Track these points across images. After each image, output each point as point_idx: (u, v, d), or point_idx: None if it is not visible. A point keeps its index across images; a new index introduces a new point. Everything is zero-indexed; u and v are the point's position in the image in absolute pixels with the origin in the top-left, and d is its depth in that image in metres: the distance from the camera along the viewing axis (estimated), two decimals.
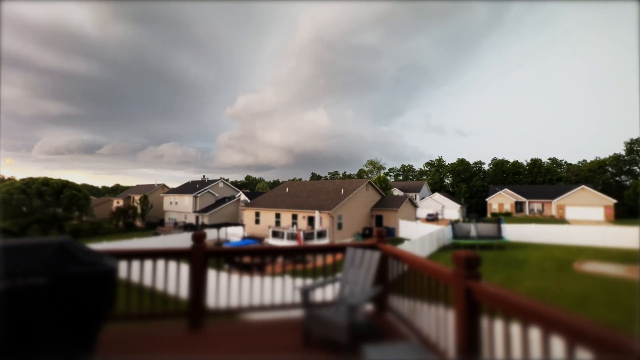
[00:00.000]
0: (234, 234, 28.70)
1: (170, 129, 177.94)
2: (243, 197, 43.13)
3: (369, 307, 3.67)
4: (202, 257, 3.38)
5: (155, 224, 44.24)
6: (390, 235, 29.27)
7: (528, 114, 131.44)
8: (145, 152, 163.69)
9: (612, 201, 41.28)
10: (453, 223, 23.44)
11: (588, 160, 62.05)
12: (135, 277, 3.36)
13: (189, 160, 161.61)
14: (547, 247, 21.45)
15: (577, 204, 43.10)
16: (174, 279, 4.92)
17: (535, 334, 1.54)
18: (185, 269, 3.61)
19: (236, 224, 29.60)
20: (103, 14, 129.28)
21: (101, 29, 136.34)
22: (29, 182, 34.78)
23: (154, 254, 3.44)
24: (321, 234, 23.62)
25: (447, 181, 76.32)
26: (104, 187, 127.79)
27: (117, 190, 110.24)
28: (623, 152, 57.85)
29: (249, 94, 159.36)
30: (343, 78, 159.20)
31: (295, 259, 4.65)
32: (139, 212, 45.00)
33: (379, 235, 3.76)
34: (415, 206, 36.19)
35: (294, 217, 29.33)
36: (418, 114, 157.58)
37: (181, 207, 44.07)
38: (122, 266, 2.93)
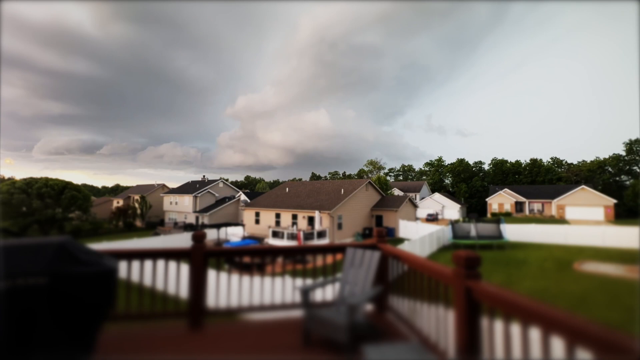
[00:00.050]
0: (234, 234, 28.70)
1: (171, 129, 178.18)
2: (243, 197, 43.11)
3: (369, 307, 3.67)
4: (202, 257, 3.38)
5: (155, 224, 44.23)
6: (390, 235, 29.27)
7: (528, 114, 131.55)
8: (145, 152, 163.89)
9: (612, 201, 41.28)
10: (453, 223, 23.43)
11: (588, 160, 62.08)
12: (135, 277, 3.36)
13: (189, 160, 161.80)
14: (547, 247, 21.45)
15: (577, 204, 43.10)
16: (174, 279, 4.92)
17: (535, 334, 1.54)
18: (185, 269, 3.61)
19: (236, 224, 29.58)
20: (103, 14, 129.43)
21: (101, 28, 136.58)
22: (30, 182, 34.79)
23: (154, 254, 3.44)
24: (321, 234, 23.62)
25: (447, 181, 76.30)
26: (104, 187, 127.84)
27: (117, 190, 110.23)
28: (623, 152, 57.88)
29: (250, 94, 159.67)
30: (344, 78, 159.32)
31: (295, 259, 4.66)
32: (139, 212, 45.01)
33: (379, 235, 3.76)
34: (415, 206, 36.18)
35: (294, 217, 29.33)
36: (419, 114, 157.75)
37: (181, 207, 44.07)
38: (122, 266, 2.93)
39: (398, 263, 3.31)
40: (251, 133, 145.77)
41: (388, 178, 74.45)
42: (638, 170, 56.53)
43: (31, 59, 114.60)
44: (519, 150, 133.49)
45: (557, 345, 1.44)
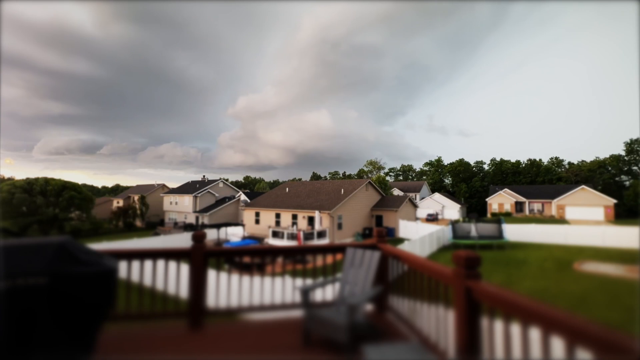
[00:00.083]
0: (234, 234, 28.70)
1: (171, 129, 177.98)
2: (243, 197, 43.12)
3: (369, 307, 3.67)
4: (202, 257, 3.38)
5: (155, 224, 44.24)
6: (390, 235, 29.27)
7: (528, 114, 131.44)
8: (145, 152, 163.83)
9: (612, 201, 41.28)
10: (453, 223, 23.42)
11: (588, 160, 62.10)
12: (135, 277, 3.36)
13: (190, 160, 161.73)
14: (547, 247, 21.45)
15: (577, 204, 43.11)
16: (174, 279, 4.92)
17: (535, 334, 1.54)
18: (185, 269, 3.61)
19: (236, 224, 29.59)
20: (103, 14, 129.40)
21: (102, 28, 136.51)
22: (31, 182, 34.81)
23: (154, 254, 3.44)
24: (321, 234, 23.63)
25: (447, 181, 76.33)
26: (104, 187, 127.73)
27: (117, 190, 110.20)
28: (623, 152, 57.91)
29: (251, 94, 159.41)
30: (345, 78, 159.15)
31: (295, 259, 4.66)
32: (139, 212, 45.02)
33: (379, 235, 3.76)
34: (415, 206, 36.19)
35: (294, 217, 29.33)
36: (420, 114, 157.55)
37: (181, 207, 44.08)
38: (122, 266, 2.93)
39: (398, 263, 3.31)
40: (252, 133, 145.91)
41: (388, 178, 74.41)
42: (638, 170, 56.57)
43: (31, 59, 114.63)
44: (519, 150, 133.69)
45: (557, 345, 1.44)
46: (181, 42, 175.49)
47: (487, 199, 53.69)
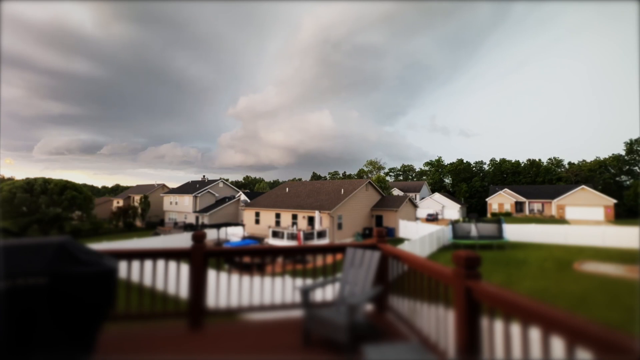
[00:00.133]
0: (234, 234, 28.70)
1: (171, 129, 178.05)
2: (243, 197, 43.13)
3: (369, 307, 3.67)
4: (202, 257, 3.38)
5: (155, 224, 44.24)
6: (390, 235, 29.27)
7: (529, 114, 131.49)
8: (145, 152, 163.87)
9: (612, 201, 41.28)
10: (453, 223, 23.42)
11: (588, 160, 62.10)
12: (135, 277, 3.36)
13: (190, 160, 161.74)
14: (547, 247, 21.45)
15: (577, 204, 43.10)
16: (174, 279, 4.91)
17: (535, 334, 1.54)
18: (185, 269, 3.61)
19: (236, 224, 29.59)
20: (104, 14, 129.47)
21: (102, 28, 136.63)
22: (31, 182, 34.81)
23: (154, 254, 3.44)
24: (321, 234, 23.62)
25: (447, 181, 76.32)
26: (104, 187, 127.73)
27: (117, 190, 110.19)
28: (623, 152, 57.90)
29: (252, 94, 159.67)
30: (347, 78, 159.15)
31: (295, 259, 4.66)
32: (139, 212, 45.02)
33: (379, 235, 3.76)
34: (415, 206, 36.19)
35: (294, 217, 29.33)
36: (420, 114, 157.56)
37: (181, 207, 44.08)
38: (122, 266, 2.93)
39: (398, 263, 3.31)
40: (253, 133, 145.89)
41: (388, 178, 74.43)
42: (638, 170, 56.57)
43: (32, 59, 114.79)
44: (519, 150, 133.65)
45: (557, 345, 1.44)
46: (181, 42, 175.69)
47: (487, 199, 53.69)
